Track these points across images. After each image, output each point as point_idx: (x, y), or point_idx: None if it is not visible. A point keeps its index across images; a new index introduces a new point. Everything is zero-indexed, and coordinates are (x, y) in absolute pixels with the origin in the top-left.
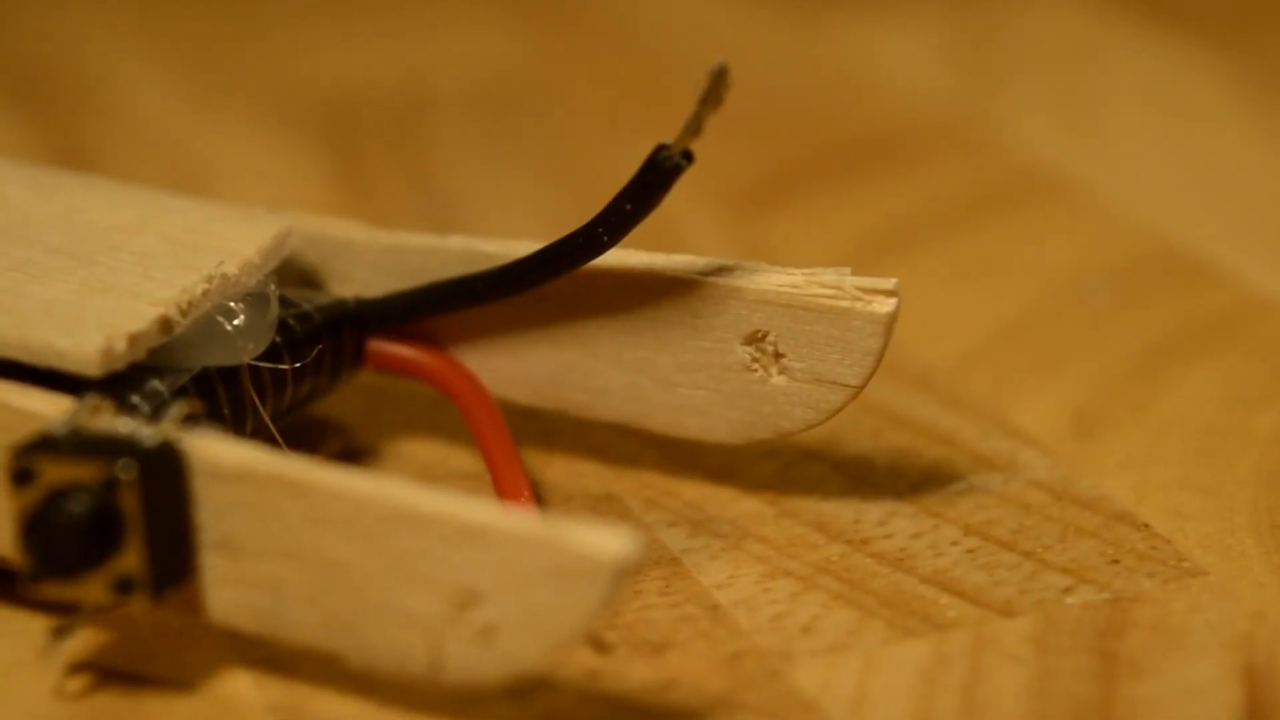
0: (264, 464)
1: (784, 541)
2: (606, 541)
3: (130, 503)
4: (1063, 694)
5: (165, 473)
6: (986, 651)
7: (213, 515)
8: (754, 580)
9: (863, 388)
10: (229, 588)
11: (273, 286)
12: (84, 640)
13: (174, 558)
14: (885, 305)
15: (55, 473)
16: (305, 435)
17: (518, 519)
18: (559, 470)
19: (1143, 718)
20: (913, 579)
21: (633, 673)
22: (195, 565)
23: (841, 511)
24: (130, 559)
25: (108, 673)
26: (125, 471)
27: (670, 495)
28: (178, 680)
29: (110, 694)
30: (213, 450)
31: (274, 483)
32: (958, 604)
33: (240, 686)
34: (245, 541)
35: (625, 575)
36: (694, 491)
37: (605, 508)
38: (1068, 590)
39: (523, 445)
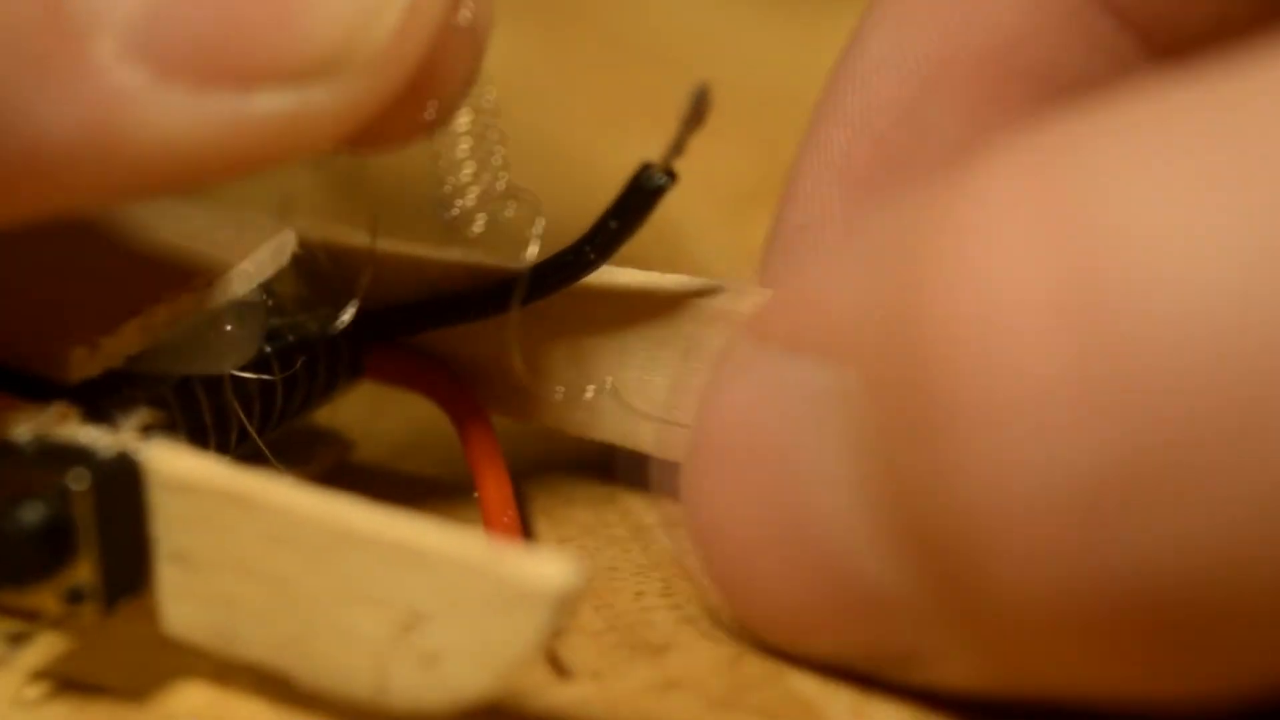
0: (217, 477)
1: None
2: (548, 570)
3: (82, 513)
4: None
5: (121, 483)
6: None
7: (168, 527)
8: None
9: None
10: (184, 601)
11: (265, 295)
12: (37, 648)
13: (129, 569)
14: None
15: (13, 480)
16: (303, 445)
17: (463, 543)
18: (559, 470)
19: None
20: None
21: (634, 674)
22: (151, 577)
23: None
24: (82, 569)
25: (61, 681)
26: (77, 481)
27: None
28: (129, 690)
29: (64, 703)
30: (168, 462)
31: (226, 497)
32: None
33: (192, 697)
34: (200, 555)
35: (567, 604)
36: None
37: (606, 508)
38: None
39: (524, 444)
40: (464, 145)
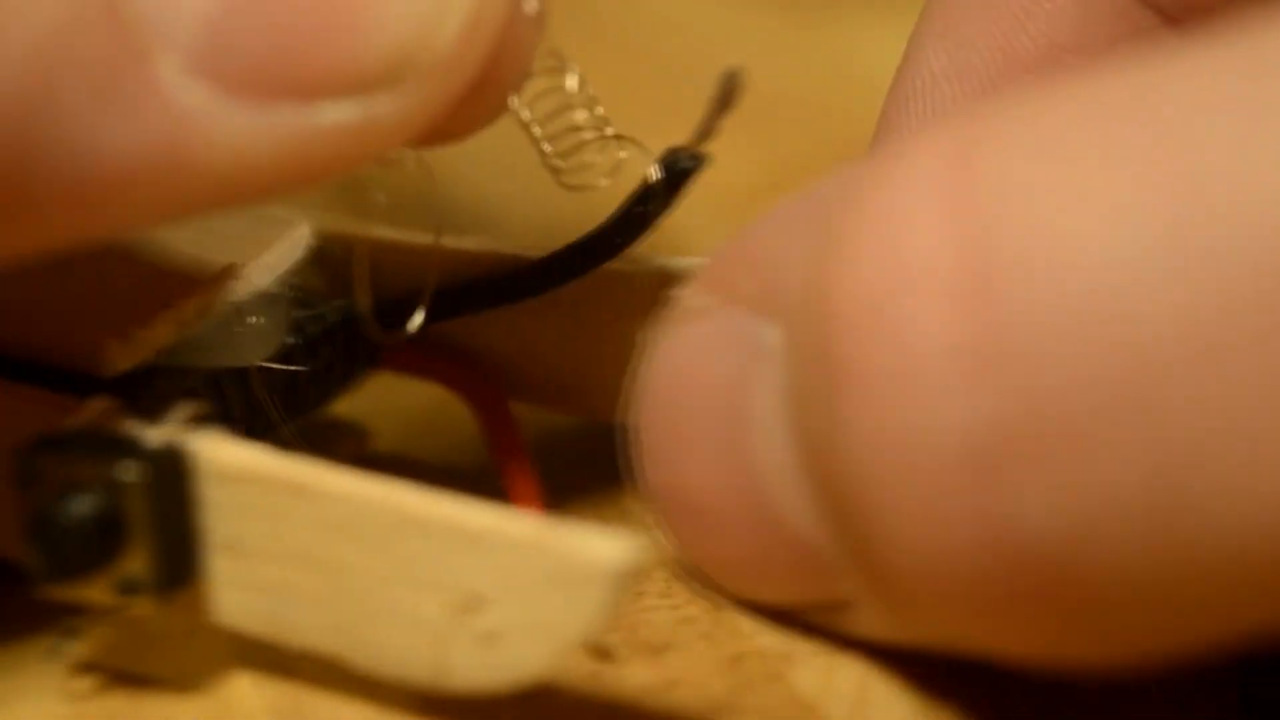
0: (268, 466)
1: None
2: (608, 548)
3: (134, 504)
4: (1064, 695)
5: (170, 474)
6: None
7: (218, 517)
8: None
9: None
10: (235, 590)
11: (287, 287)
12: (86, 641)
13: (180, 559)
14: None
15: (60, 473)
16: (320, 436)
17: (520, 524)
18: (560, 470)
19: (1147, 716)
20: None
21: (634, 674)
22: (202, 567)
23: None
24: (135, 560)
25: (110, 674)
26: (128, 473)
27: None
28: (177, 681)
29: (113, 696)
30: (217, 452)
31: (278, 485)
32: None
33: (240, 688)
34: (251, 544)
35: (627, 582)
36: None
37: (607, 508)
38: None
39: None
40: (581, 108)
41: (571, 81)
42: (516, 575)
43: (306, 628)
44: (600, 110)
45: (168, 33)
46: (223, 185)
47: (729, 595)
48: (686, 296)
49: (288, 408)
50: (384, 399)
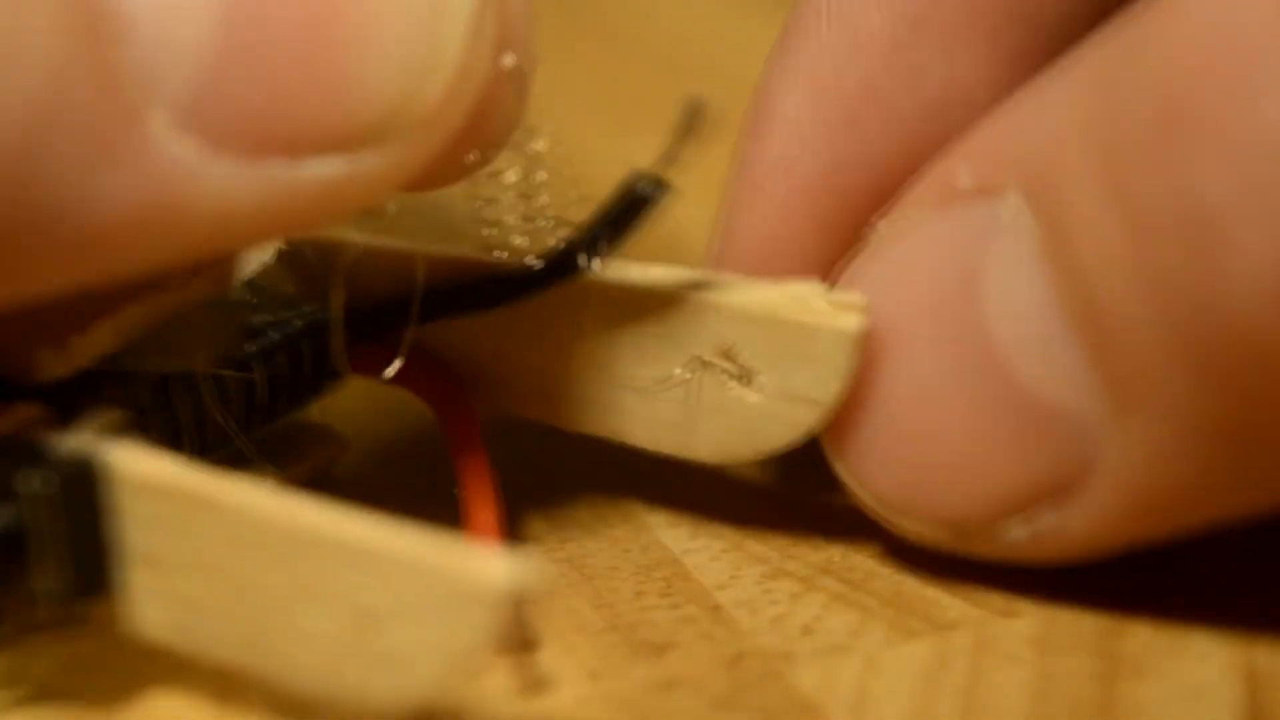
0: (177, 478)
1: (785, 542)
2: (497, 568)
3: (36, 515)
4: (1064, 695)
5: (80, 484)
6: (987, 652)
7: (135, 528)
8: (755, 581)
9: (835, 406)
10: (152, 602)
11: (249, 292)
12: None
13: (89, 571)
14: (852, 321)
15: None
16: (297, 444)
17: (414, 543)
18: (559, 471)
19: (1144, 719)
20: (914, 580)
21: (634, 673)
22: (120, 578)
23: (843, 512)
24: (38, 573)
25: (36, 687)
26: (29, 484)
27: (671, 496)
28: (102, 697)
29: (39, 710)
30: (131, 462)
31: (187, 498)
32: (959, 605)
33: (163, 706)
34: (166, 556)
35: (518, 603)
36: (695, 492)
37: (606, 508)
38: (1068, 591)
39: (523, 444)
40: (510, 194)
41: (512, 176)
42: (410, 594)
43: (221, 641)
44: (544, 199)
45: (158, 88)
46: (210, 236)
47: (930, 515)
48: (902, 210)
49: (249, 415)
50: (368, 406)
